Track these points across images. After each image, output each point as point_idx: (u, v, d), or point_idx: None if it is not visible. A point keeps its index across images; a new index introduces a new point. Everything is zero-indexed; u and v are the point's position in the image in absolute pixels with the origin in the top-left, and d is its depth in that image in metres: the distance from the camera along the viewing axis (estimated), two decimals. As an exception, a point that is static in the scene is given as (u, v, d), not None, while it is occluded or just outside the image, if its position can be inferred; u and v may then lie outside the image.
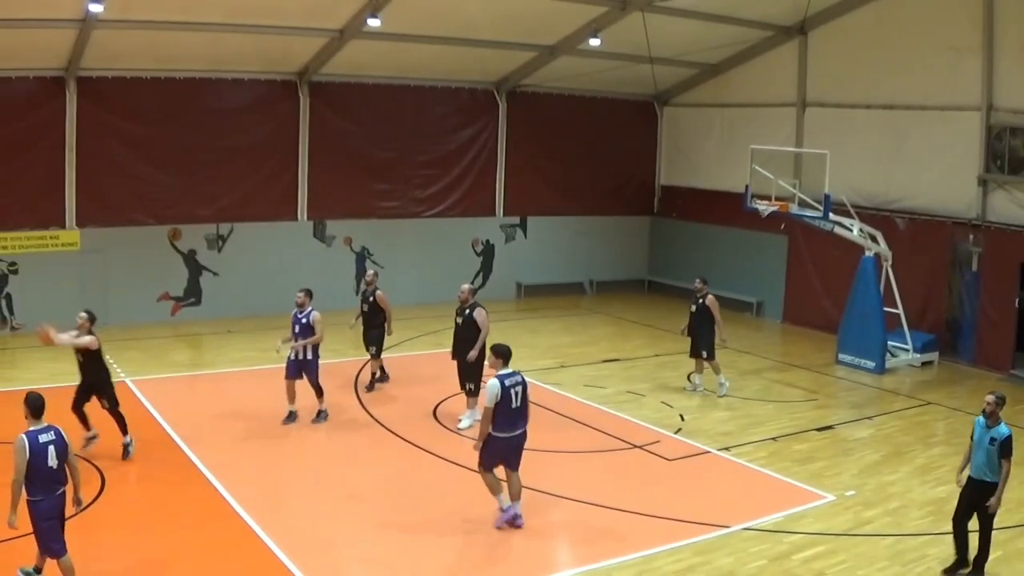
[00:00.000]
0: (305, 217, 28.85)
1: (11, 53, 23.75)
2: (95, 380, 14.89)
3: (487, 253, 31.66)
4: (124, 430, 15.02)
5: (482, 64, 29.25)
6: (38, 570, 10.62)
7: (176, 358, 23.05)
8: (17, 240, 24.94)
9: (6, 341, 23.99)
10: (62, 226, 25.51)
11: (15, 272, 24.95)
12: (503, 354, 12.89)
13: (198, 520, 12.83)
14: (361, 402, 18.97)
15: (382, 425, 17.49)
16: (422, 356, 23.23)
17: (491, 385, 12.59)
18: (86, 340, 14.59)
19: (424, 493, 14.01)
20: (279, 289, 26.36)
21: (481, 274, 31.58)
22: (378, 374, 20.00)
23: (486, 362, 14.76)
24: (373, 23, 23.58)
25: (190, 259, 27.19)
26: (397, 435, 16.88)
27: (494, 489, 12.88)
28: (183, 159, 26.85)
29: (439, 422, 17.75)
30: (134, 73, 25.97)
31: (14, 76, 24.82)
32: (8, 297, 25.00)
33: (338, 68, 27.80)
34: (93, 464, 14.42)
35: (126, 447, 14.94)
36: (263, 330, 24.76)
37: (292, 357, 17.00)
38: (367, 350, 19.94)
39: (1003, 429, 11.50)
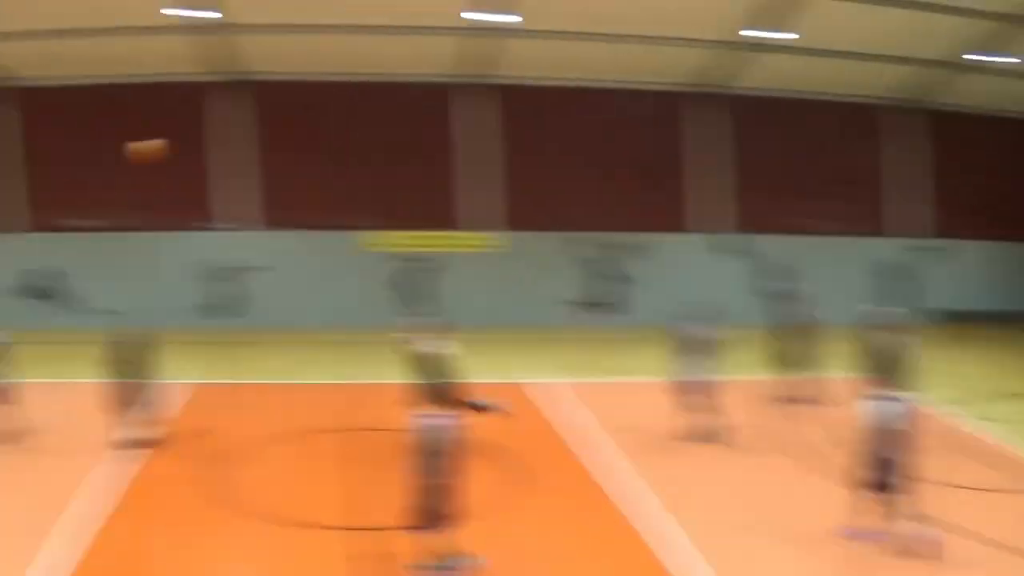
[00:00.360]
0: (715, 229, 29.38)
1: (400, 58, 26.30)
2: None
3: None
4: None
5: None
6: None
7: (586, 362, 23.45)
8: (435, 240, 27.79)
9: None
10: (463, 228, 28.24)
11: (423, 269, 27.57)
12: None
13: (583, 515, 12.87)
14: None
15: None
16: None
17: None
18: None
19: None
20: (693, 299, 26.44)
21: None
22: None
23: None
24: (775, 36, 24.36)
25: (609, 267, 28.50)
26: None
27: None
28: (585, 167, 28.71)
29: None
30: (541, 82, 27.91)
31: (405, 82, 27.70)
32: (418, 292, 27.25)
33: (738, 81, 28.09)
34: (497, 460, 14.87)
35: None
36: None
37: None
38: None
39: None
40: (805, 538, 11.68)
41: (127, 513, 12.69)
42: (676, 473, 14.73)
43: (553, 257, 27.58)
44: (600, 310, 27.84)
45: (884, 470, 11.38)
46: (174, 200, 27.23)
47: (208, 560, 11.30)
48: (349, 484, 13.86)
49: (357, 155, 27.27)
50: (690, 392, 16.05)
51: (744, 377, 20.44)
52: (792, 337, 18.54)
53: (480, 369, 19.52)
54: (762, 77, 27.00)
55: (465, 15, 22.85)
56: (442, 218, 27.54)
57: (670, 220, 28.29)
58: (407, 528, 10.36)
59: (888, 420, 11.30)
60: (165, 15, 22.74)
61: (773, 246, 28.78)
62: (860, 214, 29.92)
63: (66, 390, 20.40)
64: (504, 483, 13.78)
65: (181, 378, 20.48)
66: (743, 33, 24.35)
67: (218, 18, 22.79)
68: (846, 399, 18.49)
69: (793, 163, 29.12)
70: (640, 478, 14.17)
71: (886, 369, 12.32)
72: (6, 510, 12.98)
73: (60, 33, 24.08)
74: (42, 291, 27.10)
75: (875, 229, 29.97)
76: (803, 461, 15.14)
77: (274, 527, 12.21)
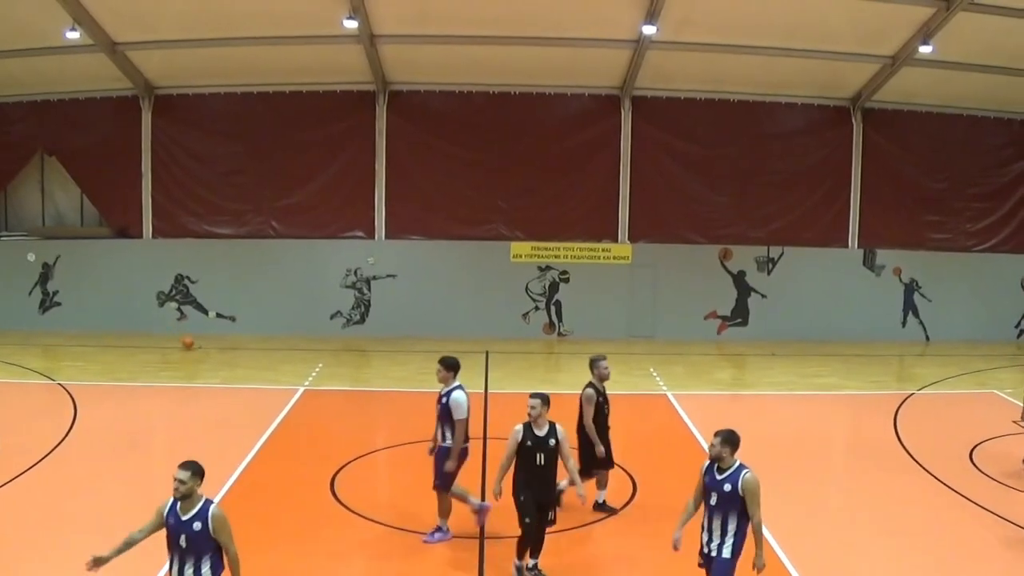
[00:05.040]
0: (855, 245, 27.94)
1: (567, 70, 25.70)
2: None
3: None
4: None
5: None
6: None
7: (719, 376, 23.13)
8: (570, 250, 26.52)
9: (553, 346, 25.56)
10: (614, 239, 26.74)
11: (566, 281, 26.63)
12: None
13: None
14: (900, 438, 17.79)
15: (916, 461, 16.22)
16: (961, 395, 21.54)
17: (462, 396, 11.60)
18: None
19: (959, 542, 12.64)
20: (825, 316, 26.13)
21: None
22: None
23: None
24: (925, 50, 22.78)
25: (739, 280, 27.33)
26: (930, 473, 15.54)
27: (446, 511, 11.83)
28: (736, 180, 27.35)
29: (974, 464, 16.08)
30: (688, 94, 26.90)
31: (570, 93, 26.90)
32: (558, 304, 26.63)
33: (890, 95, 26.86)
34: (625, 471, 14.71)
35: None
36: (808, 355, 24.27)
37: None
38: None
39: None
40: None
41: (247, 506, 13.03)
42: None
43: (685, 269, 27.34)
44: (732, 323, 27.09)
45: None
46: (312, 208, 28.01)
47: (320, 561, 11.46)
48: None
49: (502, 166, 27.70)
50: None
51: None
52: None
53: (617, 381, 19.11)
54: (903, 91, 26.34)
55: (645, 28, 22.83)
56: (590, 229, 27.74)
57: (806, 234, 27.86)
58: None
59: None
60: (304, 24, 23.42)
61: (916, 262, 28.40)
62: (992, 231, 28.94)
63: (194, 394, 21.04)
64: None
65: (304, 384, 20.78)
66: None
67: (357, 28, 23.31)
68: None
69: (948, 178, 28.48)
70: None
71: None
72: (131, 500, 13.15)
73: (203, 43, 24.96)
74: (175, 296, 27.69)
75: (1015, 247, 29.00)
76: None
77: (383, 529, 12.38)
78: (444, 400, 11.58)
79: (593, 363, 12.93)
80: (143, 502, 13.02)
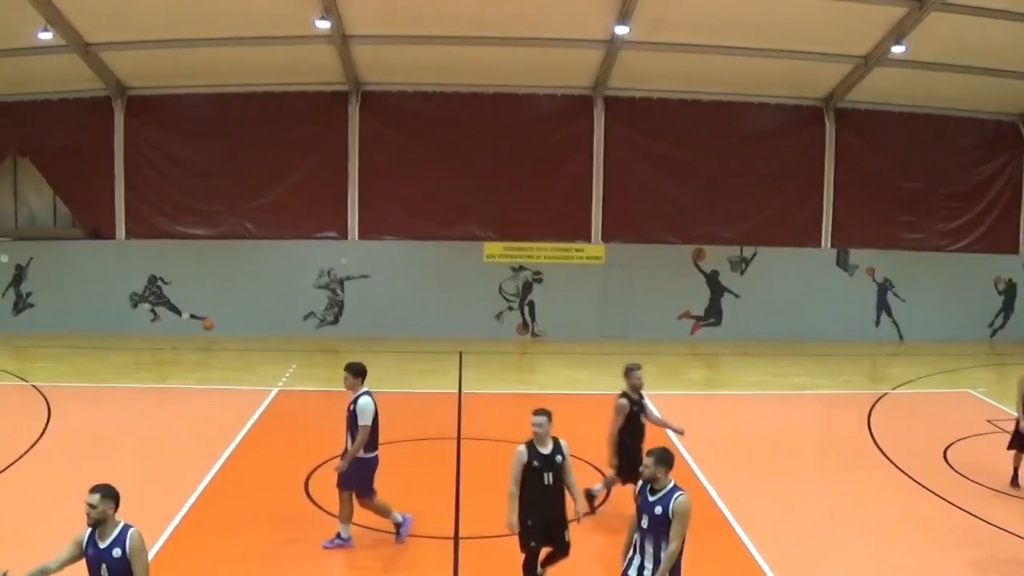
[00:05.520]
0: (829, 244, 28.13)
1: (540, 71, 25.63)
2: None
3: (1009, 292, 29.09)
4: None
5: (1004, 95, 27.01)
6: None
7: (692, 376, 23.27)
8: (543, 251, 26.61)
9: (527, 346, 25.64)
10: (587, 240, 26.81)
11: (539, 281, 26.77)
12: None
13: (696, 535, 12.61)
14: (873, 437, 17.93)
15: (890, 460, 16.35)
16: (934, 394, 21.75)
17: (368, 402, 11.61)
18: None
19: (935, 540, 12.73)
20: (799, 315, 26.34)
21: (1003, 314, 29.18)
22: None
23: None
24: (897, 50, 23.05)
25: (713, 280, 27.44)
26: (905, 472, 15.67)
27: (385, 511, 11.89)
28: (709, 180, 27.47)
29: (949, 463, 16.18)
30: (660, 94, 27.01)
31: (543, 93, 26.98)
32: (531, 305, 26.70)
33: (863, 95, 27.04)
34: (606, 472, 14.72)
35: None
36: (781, 355, 24.43)
37: None
38: None
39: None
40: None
41: (219, 512, 13.19)
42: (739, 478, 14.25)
43: (658, 269, 27.48)
44: (705, 323, 27.26)
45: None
46: (285, 209, 27.90)
47: (298, 563, 11.51)
48: (440, 493, 13.89)
49: (475, 166, 27.62)
50: None
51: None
52: None
53: (591, 381, 19.29)
54: (876, 91, 26.68)
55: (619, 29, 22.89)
56: (563, 229, 27.75)
57: (779, 234, 28.04)
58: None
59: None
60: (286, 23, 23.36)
61: (889, 261, 28.53)
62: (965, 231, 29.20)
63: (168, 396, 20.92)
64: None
65: (278, 384, 20.80)
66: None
67: (329, 28, 23.28)
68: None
69: (922, 178, 28.71)
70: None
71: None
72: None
73: (176, 43, 24.80)
74: (148, 298, 27.60)
75: (986, 247, 29.28)
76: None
77: (368, 533, 12.32)
78: (352, 407, 11.58)
79: (628, 372, 12.97)
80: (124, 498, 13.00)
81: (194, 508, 13.27)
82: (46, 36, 22.91)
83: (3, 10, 22.25)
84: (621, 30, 22.50)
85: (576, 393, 19.64)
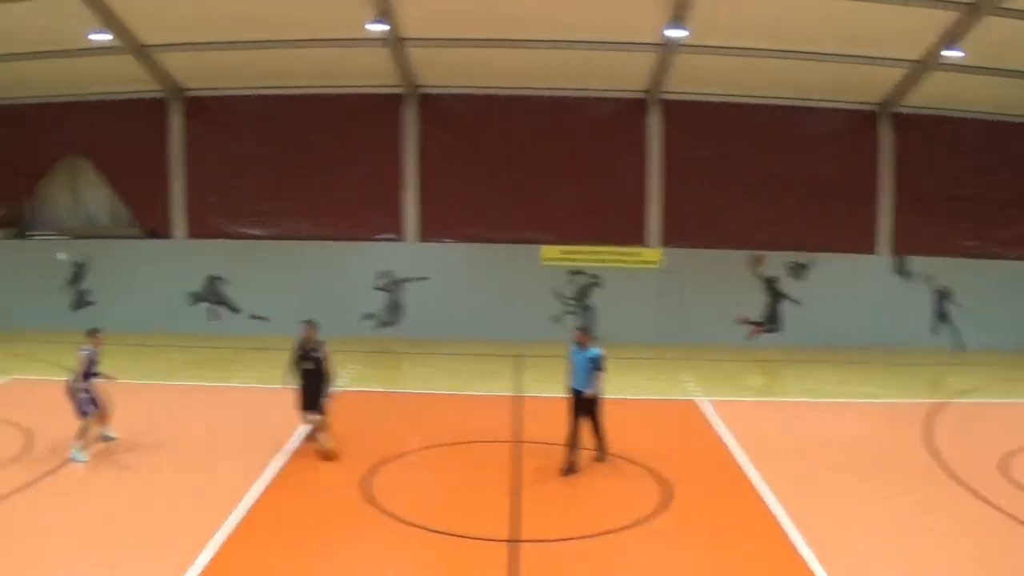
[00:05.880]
0: (886, 251, 28.00)
1: (594, 73, 25.75)
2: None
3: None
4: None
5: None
6: None
7: (750, 382, 23.10)
8: (600, 254, 26.54)
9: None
10: (645, 243, 26.72)
11: (597, 285, 26.54)
12: None
13: (747, 539, 12.56)
14: (935, 448, 17.57)
15: (948, 471, 15.99)
16: (995, 404, 21.38)
17: None
18: None
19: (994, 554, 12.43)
20: (856, 322, 26.08)
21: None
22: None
23: None
24: (952, 54, 23.00)
25: (771, 286, 27.23)
26: (964, 484, 15.33)
27: None
28: (767, 185, 27.32)
29: (1010, 475, 15.75)
30: (716, 98, 26.98)
31: (598, 96, 27.10)
32: (589, 308, 26.63)
33: (920, 100, 26.84)
34: (659, 477, 14.67)
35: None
36: (840, 363, 24.18)
37: None
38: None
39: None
40: None
41: (276, 512, 13.33)
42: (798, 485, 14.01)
43: (715, 274, 27.47)
44: (764, 329, 27.04)
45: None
46: (343, 210, 28.32)
47: (353, 562, 11.65)
48: (497, 495, 13.92)
49: (531, 169, 27.75)
50: None
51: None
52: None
53: (646, 385, 19.24)
54: (932, 96, 26.40)
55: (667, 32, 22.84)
56: (619, 233, 27.77)
57: (836, 239, 27.88)
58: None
59: None
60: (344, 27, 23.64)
61: (947, 268, 28.10)
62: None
63: (238, 393, 21.50)
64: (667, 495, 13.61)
65: (339, 385, 20.84)
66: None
67: (384, 31, 23.68)
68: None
69: (980, 184, 28.16)
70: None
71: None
72: (175, 507, 13.31)
73: (232, 45, 25.39)
74: (207, 297, 28.24)
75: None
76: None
77: (423, 534, 12.43)
78: None
79: None
80: (167, 502, 13.24)
81: (252, 507, 13.39)
82: (98, 37, 23.59)
83: (58, 12, 22.95)
84: (675, 33, 22.34)
85: (632, 398, 19.55)
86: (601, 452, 15.12)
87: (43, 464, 15.29)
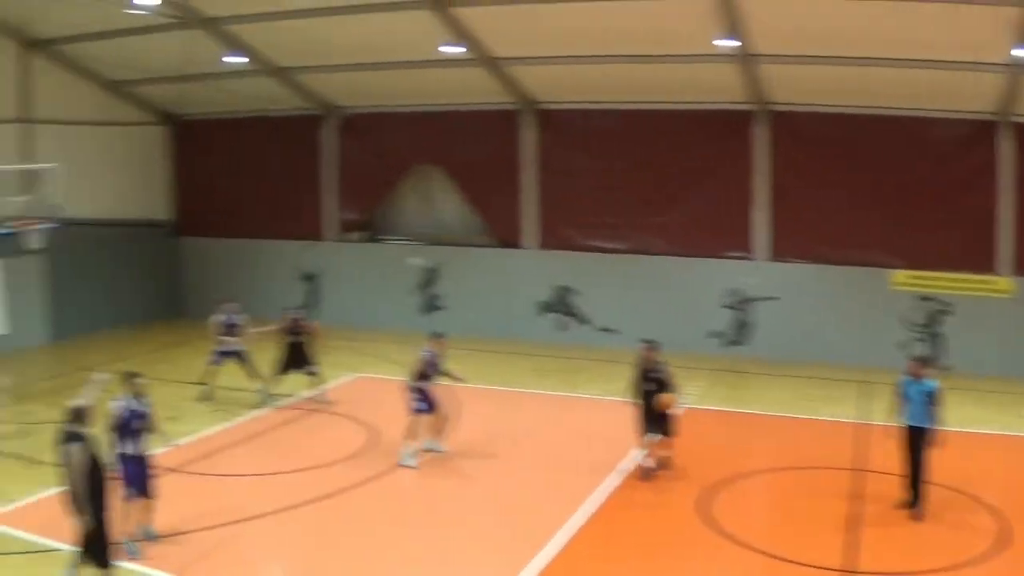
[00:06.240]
0: None
1: (939, 95, 25.91)
2: None
3: None
4: None
5: None
6: None
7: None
8: (951, 282, 26.34)
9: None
10: (996, 272, 26.92)
11: (949, 313, 26.24)
12: None
13: None
14: None
15: None
16: None
17: None
18: None
19: None
20: None
21: None
22: None
23: None
24: None
25: None
26: None
27: None
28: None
29: None
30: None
31: (942, 117, 26.98)
32: (940, 336, 26.13)
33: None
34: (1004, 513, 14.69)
35: None
36: None
37: None
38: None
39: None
40: None
41: (610, 525, 14.88)
42: None
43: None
44: None
45: None
46: (691, 226, 29.25)
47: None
48: (834, 523, 14.78)
49: (880, 190, 27.68)
50: None
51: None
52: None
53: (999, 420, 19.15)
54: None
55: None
56: (968, 260, 27.24)
57: None
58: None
59: None
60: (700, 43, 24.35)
61: None
62: None
63: (581, 403, 23.27)
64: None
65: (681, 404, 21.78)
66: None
67: (734, 47, 24.39)
68: None
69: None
70: None
71: None
72: (509, 513, 14.80)
73: (582, 59, 26.70)
74: (556, 307, 30.51)
75: None
76: None
77: (756, 557, 13.44)
78: None
79: None
80: (507, 505, 14.70)
81: (587, 520, 14.56)
82: (449, 50, 26.04)
83: (413, 24, 25.33)
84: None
85: (976, 431, 19.42)
86: (916, 497, 15.28)
87: (378, 463, 17.81)
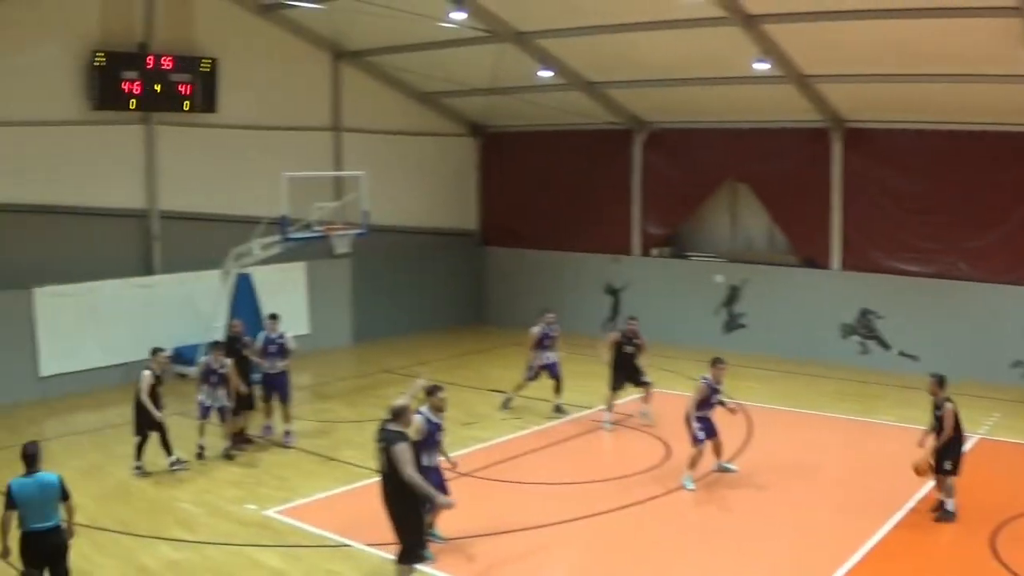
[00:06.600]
0: None
1: None
2: None
3: None
4: None
5: None
6: None
7: None
8: None
9: None
10: None
11: None
12: None
13: None
14: None
15: None
16: None
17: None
18: None
19: None
20: None
21: None
22: None
23: None
24: None
25: None
26: None
27: None
28: None
29: None
30: None
31: None
32: None
33: None
34: None
35: None
36: None
37: None
38: None
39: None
40: None
41: (896, 558, 15.10)
42: None
43: None
44: None
45: None
46: (1001, 251, 28.76)
47: None
48: None
49: None
50: None
51: None
52: None
53: None
54: None
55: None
56: None
57: None
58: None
59: None
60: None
61: None
62: None
63: (876, 429, 23.73)
64: None
65: (979, 431, 21.63)
66: None
67: None
68: None
69: None
70: None
71: None
72: (794, 538, 15.52)
73: (890, 78, 27.08)
74: (859, 329, 31.12)
75: None
76: None
77: None
78: None
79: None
80: (793, 532, 15.23)
81: (878, 544, 14.88)
82: (762, 67, 27.24)
83: (723, 43, 26.75)
84: None
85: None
86: None
87: (668, 480, 18.77)
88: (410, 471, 13.04)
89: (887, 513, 16.88)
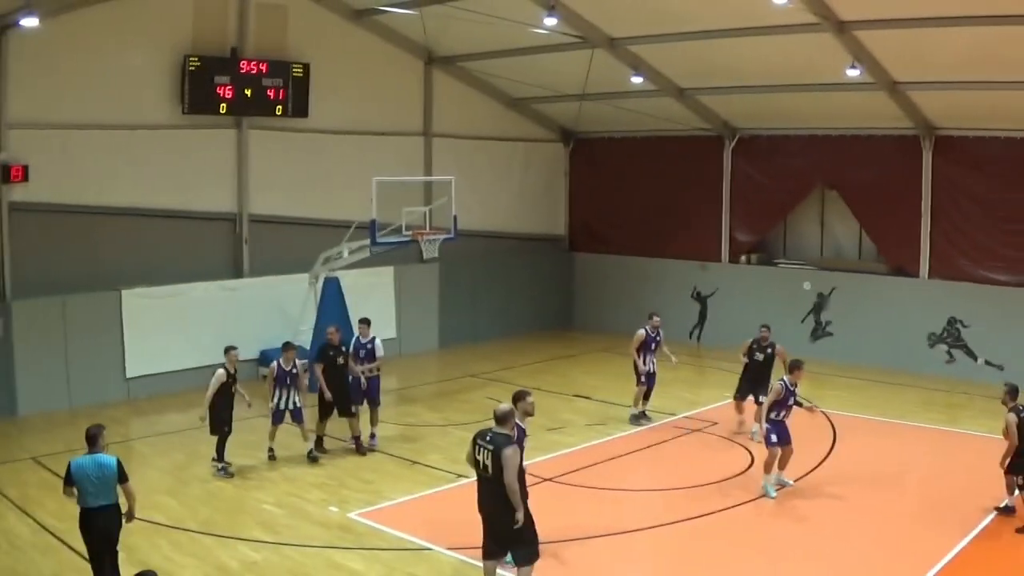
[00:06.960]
0: None
1: None
2: None
3: None
4: None
5: None
6: None
7: None
8: None
9: None
10: None
11: None
12: None
13: None
14: None
15: None
16: None
17: None
18: None
19: None
20: None
21: None
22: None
23: None
24: None
25: None
26: None
27: None
28: None
29: None
30: None
31: None
32: None
33: None
34: None
35: None
36: None
37: None
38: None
39: None
40: None
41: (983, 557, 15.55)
42: None
43: None
44: None
45: None
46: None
47: None
48: None
49: None
50: None
51: None
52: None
53: None
54: None
55: None
56: None
57: None
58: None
59: None
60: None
61: None
62: None
63: (958, 439, 23.74)
64: None
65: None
66: None
67: None
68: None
69: None
70: None
71: None
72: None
73: (980, 85, 26.83)
74: (946, 338, 30.86)
75: None
76: None
77: None
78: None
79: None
80: (873, 539, 15.39)
81: (957, 556, 14.94)
82: (854, 73, 27.28)
83: (815, 49, 26.94)
84: None
85: None
86: None
87: (751, 489, 18.93)
88: (512, 477, 13.01)
89: (968, 524, 16.71)
